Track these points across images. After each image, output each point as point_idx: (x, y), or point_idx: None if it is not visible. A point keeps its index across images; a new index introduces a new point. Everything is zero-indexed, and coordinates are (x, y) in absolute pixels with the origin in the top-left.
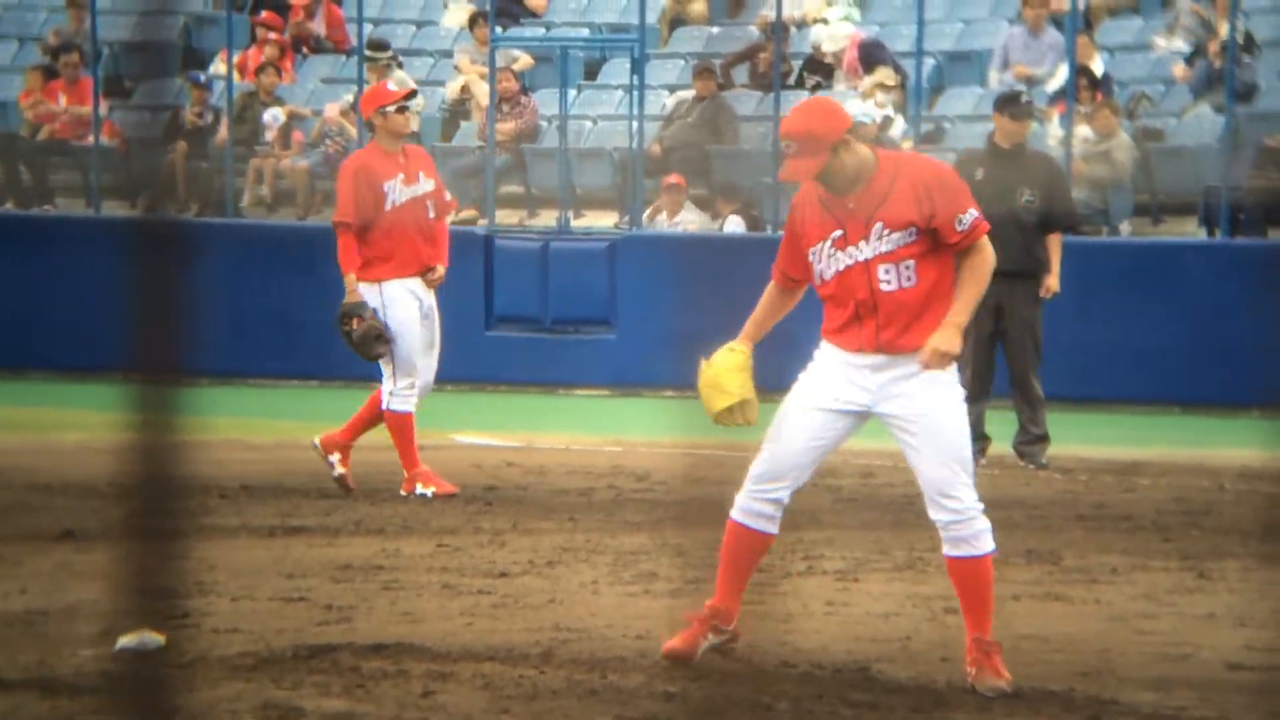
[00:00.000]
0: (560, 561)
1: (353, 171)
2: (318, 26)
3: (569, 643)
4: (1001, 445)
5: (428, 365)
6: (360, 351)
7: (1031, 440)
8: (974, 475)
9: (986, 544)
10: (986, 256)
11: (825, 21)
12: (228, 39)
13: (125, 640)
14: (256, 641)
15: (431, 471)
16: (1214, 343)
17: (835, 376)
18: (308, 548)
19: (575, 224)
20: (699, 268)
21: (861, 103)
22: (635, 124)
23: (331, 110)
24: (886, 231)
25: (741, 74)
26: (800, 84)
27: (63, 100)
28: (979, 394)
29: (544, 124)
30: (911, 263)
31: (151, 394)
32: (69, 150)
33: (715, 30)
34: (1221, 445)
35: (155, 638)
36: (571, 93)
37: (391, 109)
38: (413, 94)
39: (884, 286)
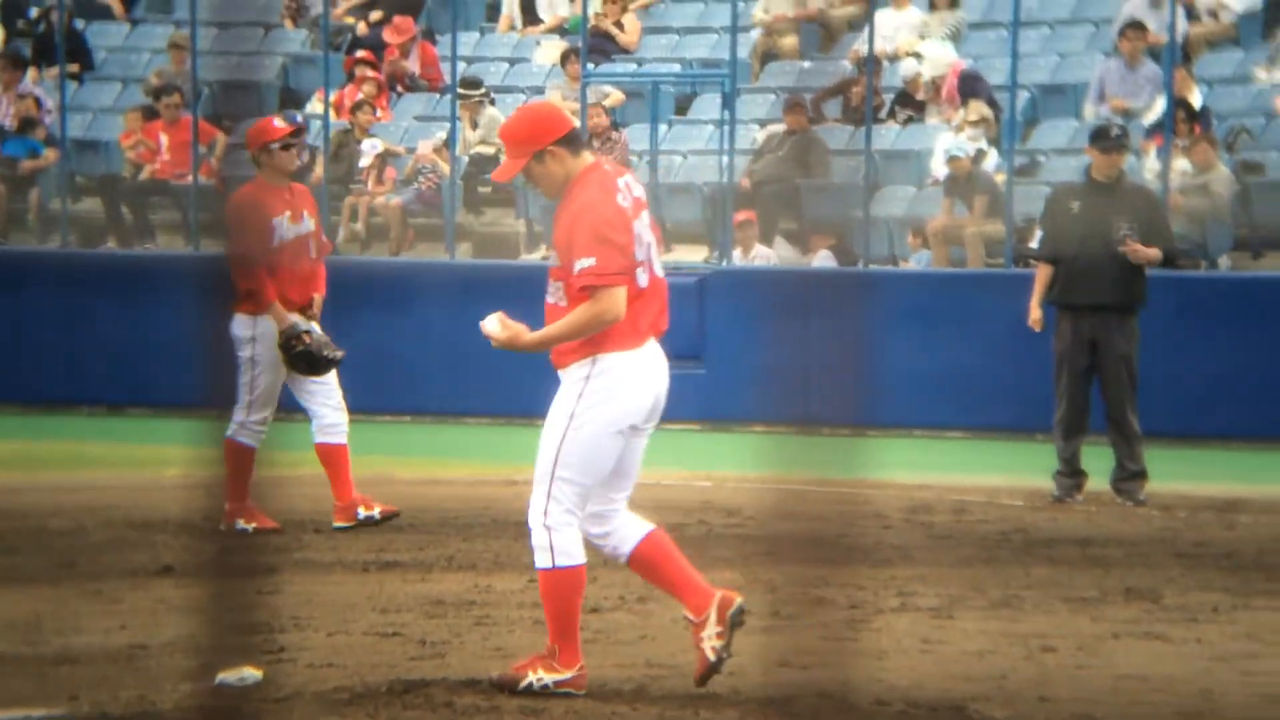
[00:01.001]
0: (651, 597)
1: (243, 205)
2: (412, 65)
3: (661, 679)
4: (1099, 482)
5: (327, 394)
6: (316, 362)
7: (1129, 477)
8: (549, 495)
9: (539, 560)
10: (595, 311)
11: (918, 55)
12: (324, 78)
13: (224, 675)
14: (351, 676)
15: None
16: None
17: None
18: (401, 583)
19: (664, 258)
20: (788, 302)
21: (954, 136)
22: (725, 159)
23: (425, 148)
24: (553, 249)
25: (833, 108)
26: (892, 117)
27: (163, 140)
28: (1075, 429)
29: (634, 159)
30: (560, 285)
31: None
32: (169, 189)
33: (806, 64)
34: None
35: (253, 672)
36: (662, 128)
37: (276, 146)
38: (299, 130)
39: (549, 298)
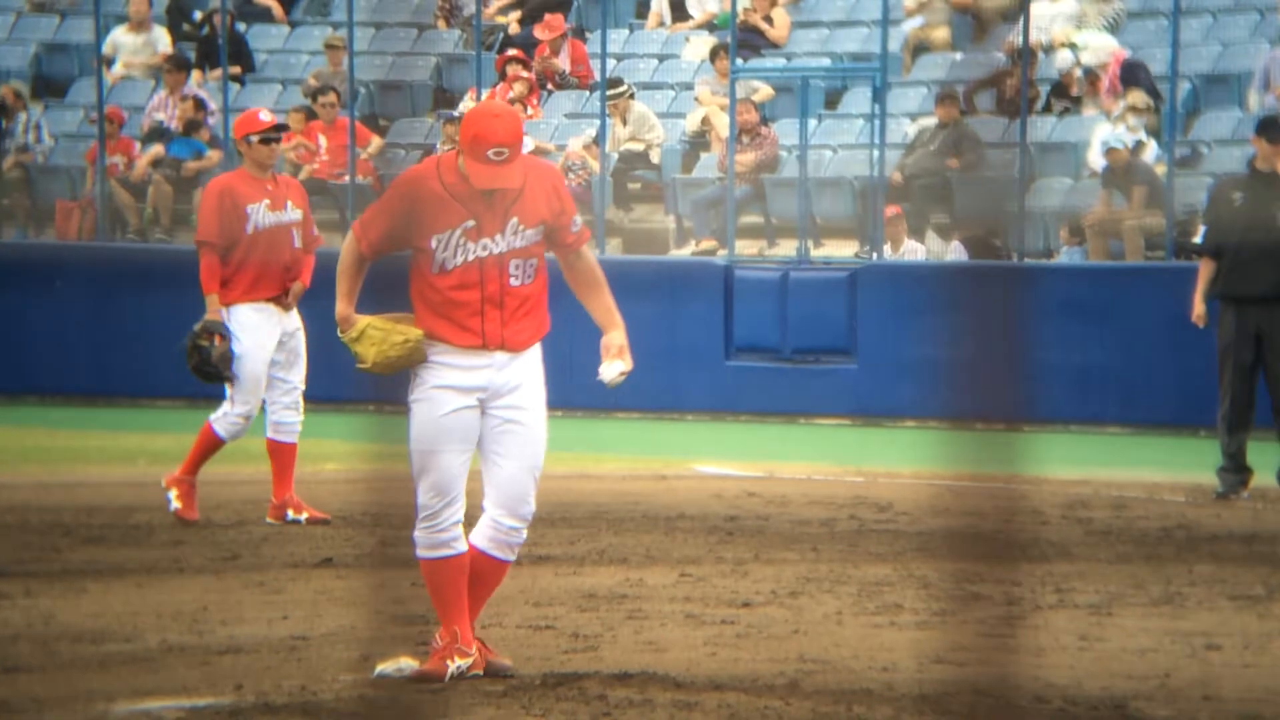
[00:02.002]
0: (803, 592)
1: (217, 192)
2: (562, 62)
3: (814, 674)
4: (1265, 477)
5: (288, 383)
6: (209, 370)
7: None
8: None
9: (519, 546)
10: (595, 261)
11: (1074, 46)
12: (477, 77)
13: (383, 666)
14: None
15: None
16: None
17: (454, 380)
18: (554, 576)
19: (815, 253)
20: (940, 296)
21: (1113, 127)
22: (876, 152)
23: (575, 145)
24: (521, 228)
25: (987, 100)
26: (1048, 109)
27: (322, 140)
28: (1240, 424)
29: (784, 154)
30: (535, 260)
31: (405, 425)
32: (327, 189)
33: (959, 56)
34: None
35: (410, 663)
36: (812, 122)
37: (255, 138)
38: (279, 127)
39: (513, 281)
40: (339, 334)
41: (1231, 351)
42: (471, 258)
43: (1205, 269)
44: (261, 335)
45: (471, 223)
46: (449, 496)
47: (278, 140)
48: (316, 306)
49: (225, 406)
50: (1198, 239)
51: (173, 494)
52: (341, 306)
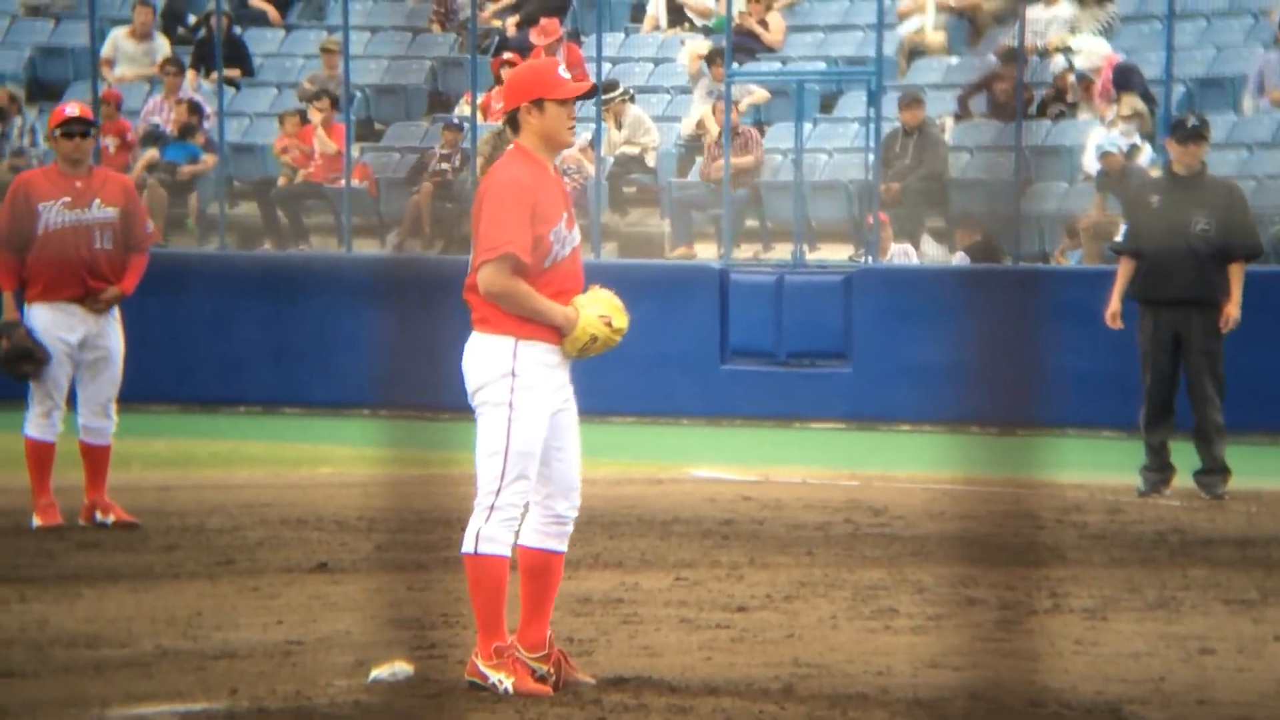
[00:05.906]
0: (798, 596)
1: (14, 188)
2: None
3: (809, 678)
4: (1246, 480)
5: (94, 396)
6: (4, 370)
7: (1209, 471)
8: None
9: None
10: None
11: (1069, 50)
12: (472, 81)
13: (378, 671)
14: None
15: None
16: None
17: (553, 380)
18: None
19: (810, 257)
20: (935, 300)
21: (1107, 132)
22: (871, 156)
23: (570, 148)
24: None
25: (981, 103)
26: (1042, 113)
27: (316, 145)
28: (1160, 425)
29: (779, 157)
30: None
31: (400, 429)
32: (322, 193)
33: (954, 60)
34: None
35: (405, 667)
36: (807, 126)
37: (58, 132)
38: (82, 121)
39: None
40: (574, 345)
41: (1150, 355)
42: (568, 249)
43: (1125, 268)
44: (51, 337)
45: (565, 212)
46: (530, 494)
47: (84, 135)
48: (313, 311)
49: (28, 411)
50: (1119, 238)
51: (34, 518)
52: (557, 317)
